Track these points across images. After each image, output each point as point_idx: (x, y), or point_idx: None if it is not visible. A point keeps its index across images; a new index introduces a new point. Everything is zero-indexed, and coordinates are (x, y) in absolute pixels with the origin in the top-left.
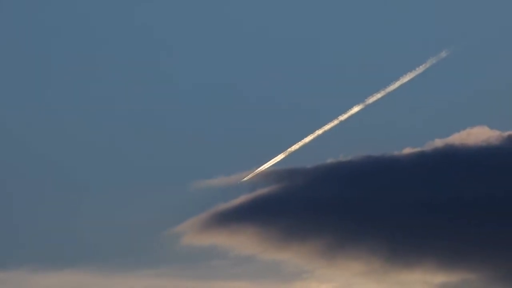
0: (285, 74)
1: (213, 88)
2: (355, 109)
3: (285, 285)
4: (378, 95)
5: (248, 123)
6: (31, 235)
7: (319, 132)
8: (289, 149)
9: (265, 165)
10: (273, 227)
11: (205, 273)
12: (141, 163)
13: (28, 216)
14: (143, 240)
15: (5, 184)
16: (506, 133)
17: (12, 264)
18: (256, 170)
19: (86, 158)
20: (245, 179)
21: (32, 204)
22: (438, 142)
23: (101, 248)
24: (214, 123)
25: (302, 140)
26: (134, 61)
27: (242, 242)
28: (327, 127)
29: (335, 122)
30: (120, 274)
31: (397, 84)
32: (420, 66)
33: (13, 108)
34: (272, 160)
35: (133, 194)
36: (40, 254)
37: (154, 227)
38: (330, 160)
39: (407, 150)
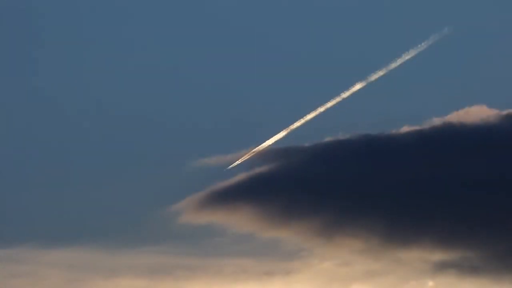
0: (285, 49)
1: (210, 64)
2: (357, 86)
3: (284, 263)
4: (380, 73)
5: (245, 101)
6: (33, 212)
7: (320, 109)
8: (288, 128)
9: (263, 144)
10: (271, 205)
11: (204, 251)
12: (139, 141)
13: (30, 193)
14: (142, 218)
15: (8, 160)
16: (505, 112)
17: (14, 241)
18: (254, 149)
19: (84, 137)
20: (242, 158)
21: (34, 181)
22: (437, 121)
23: (101, 226)
24: (210, 101)
25: (303, 118)
26: (125, 37)
27: (240, 221)
28: (328, 104)
29: (337, 99)
30: (120, 251)
31: (398, 62)
32: (422, 44)
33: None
34: (270, 139)
35: (131, 173)
36: (42, 231)
37: (152, 205)
38: (328, 138)
39: (406, 129)
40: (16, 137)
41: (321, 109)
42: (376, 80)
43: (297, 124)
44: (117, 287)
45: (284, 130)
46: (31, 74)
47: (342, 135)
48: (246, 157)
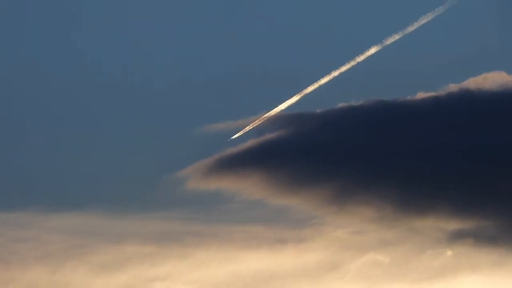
0: (299, 11)
1: (220, 26)
2: (372, 50)
3: (294, 230)
4: (396, 36)
5: (257, 65)
6: (38, 176)
7: (334, 74)
8: (301, 92)
9: (274, 109)
10: (281, 172)
11: (212, 218)
12: (147, 107)
13: (34, 155)
14: (148, 184)
15: (14, 126)
16: None
17: (17, 205)
18: (264, 115)
19: (93, 103)
20: (252, 123)
21: (40, 146)
22: (453, 87)
23: (107, 191)
24: (220, 65)
25: (316, 82)
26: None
27: (249, 187)
28: (342, 69)
29: (351, 63)
30: (126, 217)
31: (415, 26)
32: (440, 7)
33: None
34: (282, 104)
35: (138, 138)
36: (46, 195)
37: (159, 170)
38: (341, 104)
39: (421, 95)
40: (17, 96)
41: (335, 74)
42: (392, 44)
43: (310, 89)
44: (123, 254)
45: (296, 95)
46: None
47: (355, 101)
48: (256, 123)
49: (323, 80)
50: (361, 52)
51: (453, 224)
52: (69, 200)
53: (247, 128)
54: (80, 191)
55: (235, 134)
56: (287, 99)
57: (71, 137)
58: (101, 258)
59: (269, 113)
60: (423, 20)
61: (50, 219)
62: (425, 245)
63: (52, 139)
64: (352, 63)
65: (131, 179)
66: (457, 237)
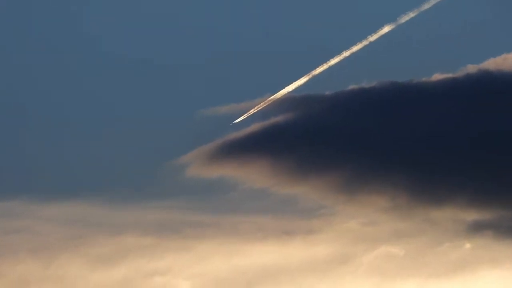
0: None
1: (225, 2)
2: (386, 29)
3: (302, 221)
4: (411, 14)
5: (262, 44)
6: (31, 162)
7: (345, 54)
8: (310, 73)
9: (281, 91)
10: (288, 158)
11: (214, 208)
12: (145, 89)
13: (27, 142)
14: (147, 171)
15: (6, 110)
16: None
17: (8, 193)
18: (270, 97)
19: (88, 87)
20: (257, 106)
21: (33, 131)
22: (472, 68)
23: (104, 179)
24: (223, 44)
25: (326, 63)
26: None
27: (253, 175)
28: (354, 48)
29: (363, 43)
30: (124, 206)
31: (431, 3)
32: None
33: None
34: (289, 85)
35: (135, 121)
36: (40, 183)
37: (158, 157)
38: (352, 86)
39: (437, 76)
40: (7, 81)
41: (345, 54)
42: (406, 22)
43: (319, 69)
44: (121, 246)
45: (304, 76)
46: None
47: (367, 83)
48: (261, 105)
49: (333, 61)
50: (374, 30)
51: (472, 215)
52: (64, 188)
53: (252, 111)
54: (75, 179)
55: (239, 117)
56: (295, 80)
57: (66, 122)
58: (98, 251)
59: (275, 95)
60: None
61: (43, 209)
62: (442, 237)
63: (45, 123)
64: (364, 42)
65: (128, 166)
66: (476, 229)
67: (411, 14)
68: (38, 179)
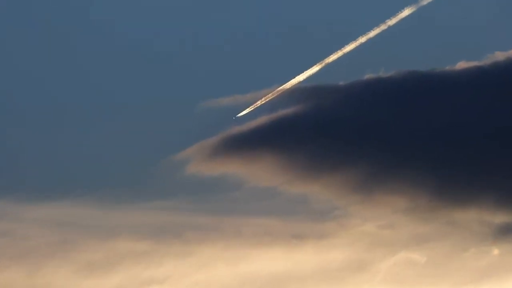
0: None
1: None
2: (406, 12)
3: (313, 224)
4: None
5: (270, 30)
6: (15, 159)
7: (361, 40)
8: (323, 61)
9: (290, 81)
10: (297, 154)
11: (217, 209)
12: (142, 79)
13: (10, 135)
14: (143, 168)
15: None
16: None
17: None
18: (279, 87)
19: (80, 77)
20: (264, 97)
21: (16, 123)
22: (499, 55)
23: (96, 177)
24: (226, 30)
25: (340, 50)
26: None
27: (259, 172)
28: (371, 34)
29: (381, 28)
30: (119, 207)
31: None
32: None
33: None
34: (299, 75)
35: (131, 114)
36: (26, 183)
37: (155, 152)
38: (368, 76)
39: (462, 65)
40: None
41: (361, 40)
42: (428, 4)
43: (332, 57)
44: (115, 251)
45: (317, 65)
46: None
47: (384, 72)
48: (268, 97)
49: (348, 48)
50: (393, 14)
51: (500, 217)
52: (52, 187)
53: (258, 103)
54: (64, 177)
55: (244, 110)
56: (306, 69)
57: (54, 113)
58: (89, 257)
59: (283, 85)
60: None
61: (29, 210)
62: (467, 242)
63: (31, 114)
64: (382, 27)
65: (123, 163)
66: (504, 232)
67: None
68: (23, 178)
